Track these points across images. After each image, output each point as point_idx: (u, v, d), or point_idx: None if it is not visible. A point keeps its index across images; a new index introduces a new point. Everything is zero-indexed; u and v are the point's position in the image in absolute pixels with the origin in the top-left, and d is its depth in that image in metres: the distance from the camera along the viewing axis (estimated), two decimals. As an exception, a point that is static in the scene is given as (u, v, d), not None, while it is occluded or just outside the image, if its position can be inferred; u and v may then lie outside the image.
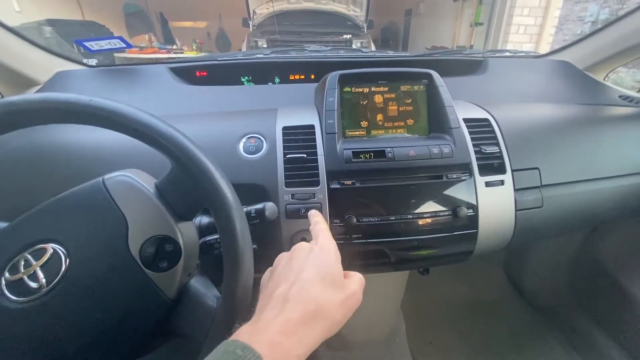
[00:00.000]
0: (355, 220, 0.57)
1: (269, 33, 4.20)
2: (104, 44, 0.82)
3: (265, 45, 3.93)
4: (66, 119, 0.35)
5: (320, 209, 0.56)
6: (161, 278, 0.37)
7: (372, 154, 0.59)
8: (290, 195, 0.57)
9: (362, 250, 0.60)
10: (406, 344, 1.10)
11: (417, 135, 0.65)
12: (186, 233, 0.40)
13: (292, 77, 0.98)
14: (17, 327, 0.34)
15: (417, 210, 0.59)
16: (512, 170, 0.64)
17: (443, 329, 1.19)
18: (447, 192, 0.60)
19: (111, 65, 0.90)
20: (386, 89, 0.65)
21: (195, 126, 0.64)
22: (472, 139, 0.64)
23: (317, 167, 0.58)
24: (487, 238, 0.63)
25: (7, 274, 0.35)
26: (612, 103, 0.89)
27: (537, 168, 0.66)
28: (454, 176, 0.60)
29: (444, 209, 0.60)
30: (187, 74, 0.88)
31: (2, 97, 0.75)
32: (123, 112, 0.34)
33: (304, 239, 0.57)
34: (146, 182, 0.39)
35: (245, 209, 0.47)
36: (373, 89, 0.65)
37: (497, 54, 1.15)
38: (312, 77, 0.97)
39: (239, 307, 0.35)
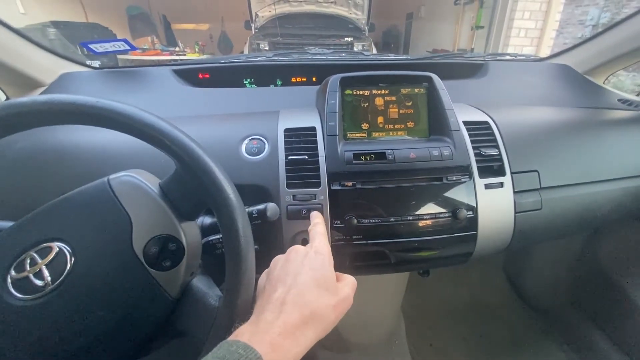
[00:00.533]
0: (355, 221, 0.57)
1: (271, 36, 4.22)
2: (109, 46, 0.83)
3: (267, 48, 3.96)
4: (73, 120, 0.35)
5: (321, 210, 0.57)
6: (164, 277, 0.38)
7: (373, 155, 0.59)
8: (291, 197, 0.57)
9: (363, 251, 0.60)
10: (406, 346, 1.10)
11: (417, 138, 0.66)
12: (189, 233, 0.40)
13: (294, 80, 0.99)
14: (22, 324, 0.34)
15: (417, 212, 0.60)
16: (512, 173, 0.64)
17: (443, 330, 1.19)
18: (447, 194, 0.61)
19: (115, 67, 0.91)
20: (387, 91, 0.66)
21: (197, 128, 0.65)
22: (472, 142, 0.64)
23: (318, 169, 0.59)
24: (487, 240, 0.64)
25: (13, 272, 0.35)
26: (612, 107, 0.90)
27: (536, 171, 0.67)
28: (454, 178, 0.61)
29: (443, 210, 0.60)
30: (190, 76, 0.89)
31: (8, 98, 0.76)
32: (129, 114, 0.35)
33: (304, 240, 0.58)
34: (150, 182, 0.40)
35: (247, 210, 0.47)
36: (374, 91, 0.65)
37: (498, 57, 1.15)
38: (314, 79, 0.98)
39: (241, 307, 0.36)
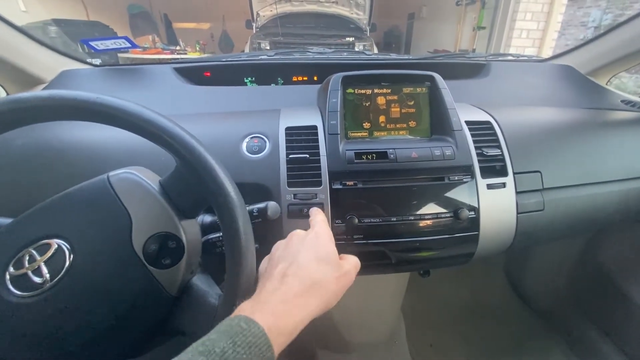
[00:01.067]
0: (356, 220, 0.57)
1: (272, 35, 4.22)
2: (110, 44, 0.82)
3: (268, 47, 3.95)
4: (73, 115, 0.35)
5: (322, 209, 0.56)
6: (164, 275, 0.38)
7: (375, 155, 0.59)
8: (292, 195, 0.57)
9: (363, 250, 0.60)
10: (406, 346, 1.10)
11: (419, 137, 0.65)
12: (189, 231, 0.40)
13: (295, 79, 0.98)
14: (21, 321, 0.34)
15: (419, 212, 0.59)
16: (514, 173, 0.64)
17: (443, 331, 1.18)
18: (449, 194, 0.60)
19: (116, 65, 0.91)
20: (389, 90, 0.65)
21: (198, 125, 0.65)
22: (474, 142, 0.64)
23: (319, 168, 0.58)
24: (488, 240, 0.63)
25: (11, 269, 0.35)
26: (615, 107, 0.89)
27: (538, 171, 0.66)
28: (456, 178, 0.61)
29: (445, 210, 0.60)
30: (191, 74, 0.88)
31: (7, 94, 0.76)
32: (129, 110, 0.35)
33: (305, 239, 0.58)
34: (150, 180, 0.40)
35: (247, 208, 0.47)
36: (376, 90, 0.65)
37: (500, 58, 1.15)
38: (315, 78, 0.98)
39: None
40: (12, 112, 0.34)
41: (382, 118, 0.65)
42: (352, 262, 0.41)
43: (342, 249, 0.58)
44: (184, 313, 0.40)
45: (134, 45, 0.87)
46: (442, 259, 0.65)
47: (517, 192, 0.64)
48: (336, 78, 0.64)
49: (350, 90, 0.65)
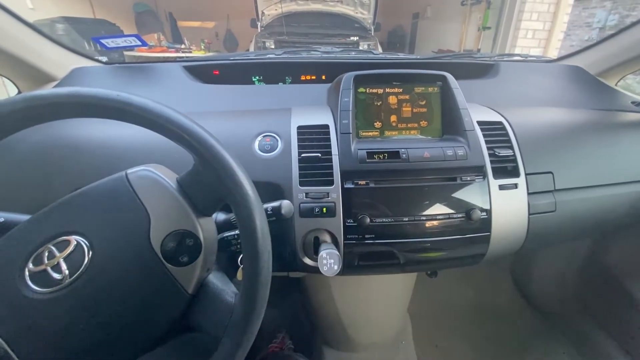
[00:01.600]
0: (368, 220, 0.57)
1: (277, 34, 4.21)
2: (121, 42, 0.83)
3: (273, 46, 3.94)
4: (93, 113, 0.35)
5: (334, 209, 0.56)
6: (181, 272, 0.38)
7: (387, 154, 0.59)
8: (304, 194, 0.57)
9: (374, 250, 0.60)
10: (412, 347, 1.10)
11: (430, 137, 0.65)
12: (206, 228, 0.40)
13: (303, 78, 0.98)
14: (39, 317, 0.34)
15: (430, 212, 0.59)
16: (526, 174, 0.64)
17: (449, 332, 1.18)
18: (461, 194, 0.60)
19: (125, 63, 0.91)
20: (400, 90, 0.65)
21: (210, 124, 0.64)
22: (486, 142, 0.64)
23: (331, 167, 0.58)
24: (500, 241, 0.63)
25: (31, 265, 0.35)
26: (625, 109, 0.89)
27: (550, 172, 0.66)
28: (468, 178, 0.60)
29: (457, 211, 0.60)
30: (200, 72, 0.89)
31: (19, 92, 0.76)
32: (150, 108, 0.35)
33: (316, 239, 0.58)
34: (168, 177, 0.40)
35: None
36: (387, 90, 0.65)
37: (507, 58, 1.14)
38: (323, 77, 0.97)
39: (258, 304, 0.36)
40: (33, 109, 0.34)
41: (393, 117, 0.65)
42: None
43: (353, 248, 0.59)
44: (199, 310, 0.40)
45: (144, 44, 0.88)
46: (453, 259, 0.64)
47: (529, 193, 0.64)
48: (348, 77, 0.64)
49: (361, 90, 0.64)
